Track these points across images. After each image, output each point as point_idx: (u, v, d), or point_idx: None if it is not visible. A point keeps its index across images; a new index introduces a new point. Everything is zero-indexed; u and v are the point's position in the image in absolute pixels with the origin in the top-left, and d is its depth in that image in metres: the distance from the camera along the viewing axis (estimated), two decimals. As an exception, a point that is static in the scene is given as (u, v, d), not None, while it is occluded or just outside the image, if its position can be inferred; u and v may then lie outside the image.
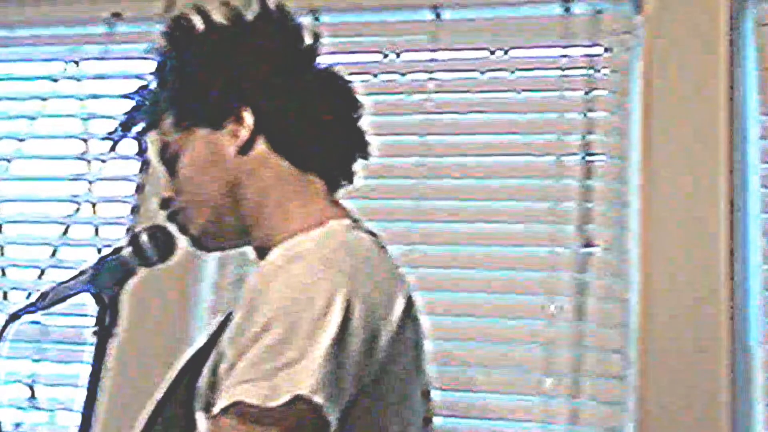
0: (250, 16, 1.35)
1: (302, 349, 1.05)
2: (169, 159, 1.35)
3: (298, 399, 1.03)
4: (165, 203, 1.35)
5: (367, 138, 1.38)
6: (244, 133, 1.29)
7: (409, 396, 1.20)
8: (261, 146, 1.30)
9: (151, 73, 1.41)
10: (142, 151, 1.45)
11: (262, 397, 1.03)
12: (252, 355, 1.06)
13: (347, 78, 1.39)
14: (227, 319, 1.29)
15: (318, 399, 1.04)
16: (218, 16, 1.35)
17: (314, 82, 1.34)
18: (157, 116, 1.36)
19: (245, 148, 1.29)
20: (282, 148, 1.30)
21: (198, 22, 1.35)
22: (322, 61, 1.38)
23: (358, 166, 1.39)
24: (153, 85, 1.39)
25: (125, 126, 1.41)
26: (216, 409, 1.06)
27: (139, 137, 1.41)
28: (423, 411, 1.24)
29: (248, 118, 1.29)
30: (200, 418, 1.16)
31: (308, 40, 1.36)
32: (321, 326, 1.06)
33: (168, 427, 1.24)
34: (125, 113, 1.42)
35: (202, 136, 1.31)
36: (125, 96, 1.44)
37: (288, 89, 1.31)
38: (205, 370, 1.18)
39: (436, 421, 1.34)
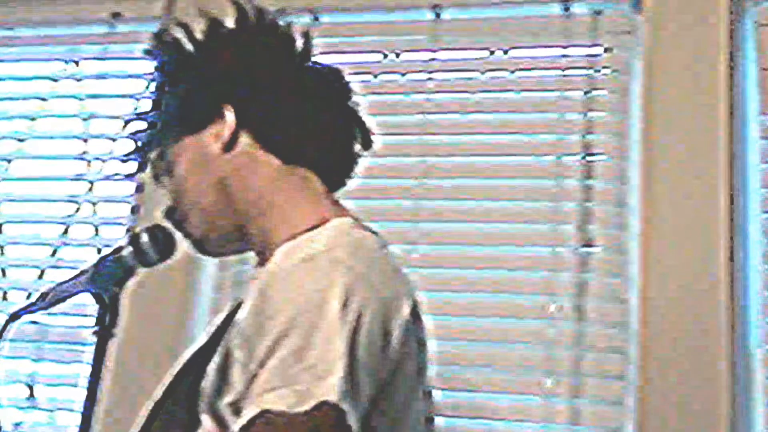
0: (229, 21, 1.36)
1: (323, 354, 1.05)
2: (168, 170, 1.36)
3: (323, 404, 1.03)
4: (169, 213, 1.36)
5: (369, 129, 1.38)
6: (227, 131, 1.30)
7: (415, 396, 1.19)
8: (245, 142, 1.30)
9: (148, 92, 1.42)
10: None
11: (288, 404, 1.03)
12: (274, 362, 1.06)
13: (341, 72, 1.39)
14: (229, 318, 1.29)
15: (344, 405, 1.04)
16: (198, 28, 1.36)
17: (301, 77, 1.35)
18: (161, 137, 1.37)
19: (229, 146, 1.30)
20: (268, 143, 1.30)
21: (179, 35, 1.36)
22: (320, 60, 1.38)
23: (361, 161, 1.39)
24: (151, 105, 1.40)
25: (138, 149, 1.41)
26: (243, 420, 1.05)
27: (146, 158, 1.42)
28: (425, 411, 1.24)
29: (229, 115, 1.30)
30: (205, 420, 1.16)
31: (295, 37, 1.37)
32: (339, 330, 1.06)
33: (169, 426, 1.24)
34: (132, 136, 1.42)
35: (191, 141, 1.32)
36: (132, 116, 1.45)
37: (270, 85, 1.32)
38: (210, 371, 1.18)
39: (437, 421, 1.34)
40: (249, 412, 1.05)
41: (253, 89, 1.31)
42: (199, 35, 1.35)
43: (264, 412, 1.04)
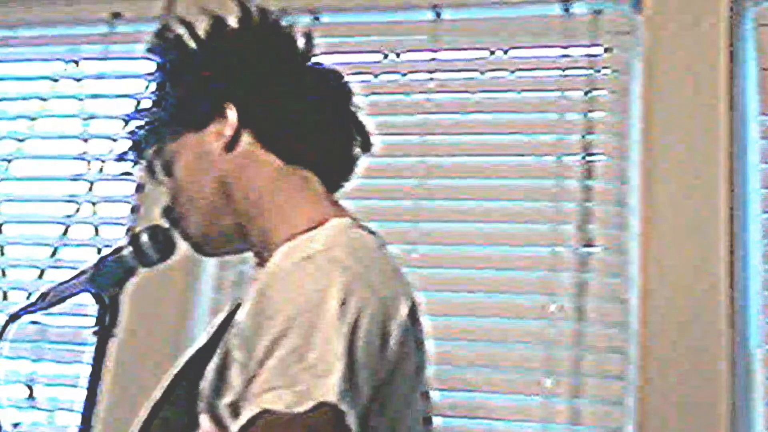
0: (231, 20, 1.35)
1: (322, 353, 1.05)
2: (167, 168, 1.35)
3: (322, 405, 1.03)
4: (166, 211, 1.36)
5: (368, 132, 1.38)
6: (229, 130, 1.30)
7: (413, 396, 1.19)
8: (247, 142, 1.30)
9: (148, 89, 1.41)
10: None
11: (288, 404, 1.03)
12: (273, 362, 1.05)
13: (342, 75, 1.39)
14: (228, 319, 1.29)
15: (343, 406, 1.04)
16: (202, 25, 1.36)
17: (303, 78, 1.35)
18: (159, 133, 1.37)
19: (231, 145, 1.30)
20: (269, 143, 1.30)
21: (181, 32, 1.36)
22: (320, 60, 1.38)
23: (361, 162, 1.39)
24: (150, 102, 1.40)
25: (135, 145, 1.41)
26: (242, 420, 1.05)
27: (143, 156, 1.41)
28: (424, 411, 1.24)
29: (231, 114, 1.30)
30: (203, 420, 1.16)
31: (297, 38, 1.37)
32: (337, 330, 1.06)
33: (168, 427, 1.24)
34: (130, 134, 1.42)
35: (191, 139, 1.32)
36: (128, 116, 1.44)
37: (272, 84, 1.31)
38: (209, 372, 1.18)
39: (436, 421, 1.34)
40: (248, 413, 1.05)
41: (255, 88, 1.31)
42: (201, 33, 1.35)
43: (263, 413, 1.04)
